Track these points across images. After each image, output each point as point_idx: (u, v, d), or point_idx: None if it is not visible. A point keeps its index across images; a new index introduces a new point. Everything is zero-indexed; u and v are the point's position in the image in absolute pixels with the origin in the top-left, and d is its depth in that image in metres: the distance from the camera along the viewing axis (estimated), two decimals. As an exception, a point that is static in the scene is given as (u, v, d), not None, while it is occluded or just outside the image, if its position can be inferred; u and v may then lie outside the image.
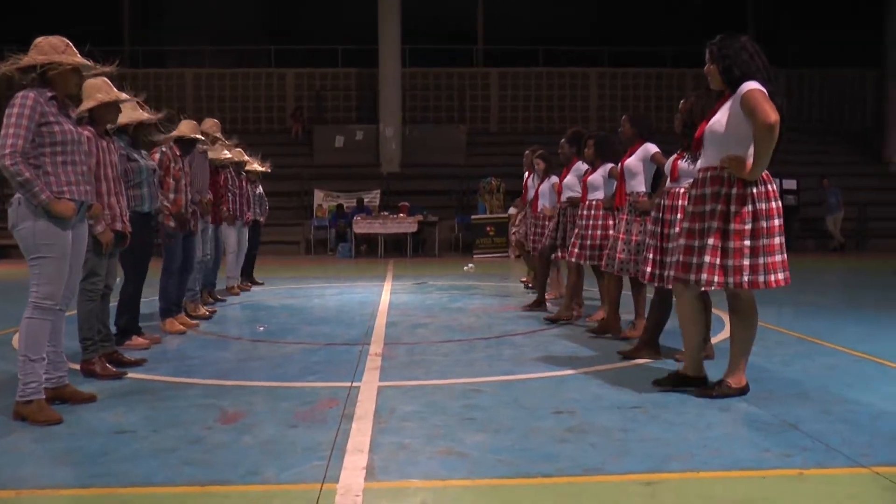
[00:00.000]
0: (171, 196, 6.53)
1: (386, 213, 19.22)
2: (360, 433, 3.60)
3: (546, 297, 8.56)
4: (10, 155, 3.78)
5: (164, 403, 4.26)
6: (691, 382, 4.35)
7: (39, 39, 4.05)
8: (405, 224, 18.56)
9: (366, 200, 20.27)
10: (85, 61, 4.12)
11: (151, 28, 26.16)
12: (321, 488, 2.93)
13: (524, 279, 10.51)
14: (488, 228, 18.11)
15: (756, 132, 3.91)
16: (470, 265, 14.61)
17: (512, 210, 16.75)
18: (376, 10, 21.97)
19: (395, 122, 22.54)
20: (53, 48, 4.02)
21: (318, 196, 20.66)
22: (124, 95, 5.05)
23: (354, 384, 4.62)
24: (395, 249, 18.94)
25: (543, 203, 8.51)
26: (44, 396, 3.96)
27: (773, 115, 3.84)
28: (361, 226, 18.50)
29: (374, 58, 22.60)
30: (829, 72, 25.07)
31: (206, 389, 4.59)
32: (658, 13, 24.72)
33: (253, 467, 3.16)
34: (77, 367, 4.94)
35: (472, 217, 18.92)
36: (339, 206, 20.00)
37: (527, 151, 9.54)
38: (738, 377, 4.23)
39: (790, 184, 19.00)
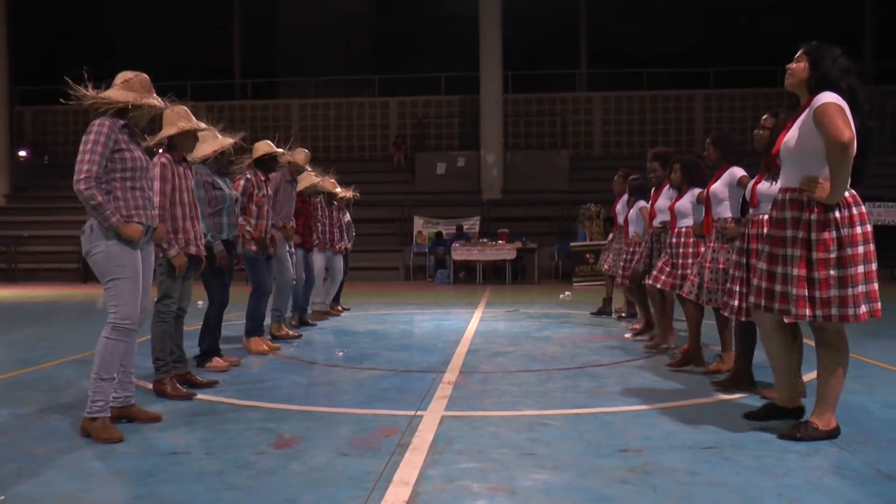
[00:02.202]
0: (254, 222, 6.63)
1: (485, 240, 19.14)
2: (411, 464, 3.47)
3: (639, 326, 8.26)
4: (84, 180, 3.92)
5: (224, 426, 4.25)
6: (786, 415, 4.07)
7: (130, 76, 4.20)
8: (504, 251, 18.42)
9: (465, 227, 20.28)
10: (164, 104, 4.31)
11: (261, 61, 27.23)
12: (354, 522, 2.81)
13: (618, 307, 10.18)
14: (588, 256, 17.73)
15: (827, 150, 3.59)
16: (567, 293, 14.31)
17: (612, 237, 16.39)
18: (478, 37, 22.12)
19: (496, 148, 22.52)
20: (143, 86, 4.18)
21: (418, 223, 20.80)
22: (203, 125, 5.18)
23: (418, 413, 4.49)
24: (494, 276, 18.82)
25: (634, 230, 8.22)
26: (109, 415, 4.03)
27: (846, 133, 3.51)
28: (460, 252, 18.48)
29: (476, 85, 22.70)
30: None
31: (269, 413, 4.56)
32: (766, 30, 23.86)
33: (292, 495, 3.08)
34: (150, 386, 5.04)
35: (572, 244, 18.60)
36: (439, 234, 20.07)
37: (616, 177, 9.28)
38: (826, 418, 3.85)
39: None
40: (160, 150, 4.96)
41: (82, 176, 3.93)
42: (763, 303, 3.93)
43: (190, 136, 5.11)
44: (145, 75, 4.22)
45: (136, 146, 4.18)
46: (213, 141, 5.72)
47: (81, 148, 3.99)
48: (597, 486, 3.18)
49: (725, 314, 5.00)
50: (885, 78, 23.56)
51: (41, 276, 19.66)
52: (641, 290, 7.68)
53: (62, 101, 4.11)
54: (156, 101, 4.21)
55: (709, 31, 25.02)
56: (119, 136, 4.05)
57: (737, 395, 4.94)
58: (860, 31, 24.64)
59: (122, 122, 4.10)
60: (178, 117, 4.98)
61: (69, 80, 4.00)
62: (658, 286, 6.55)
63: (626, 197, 8.80)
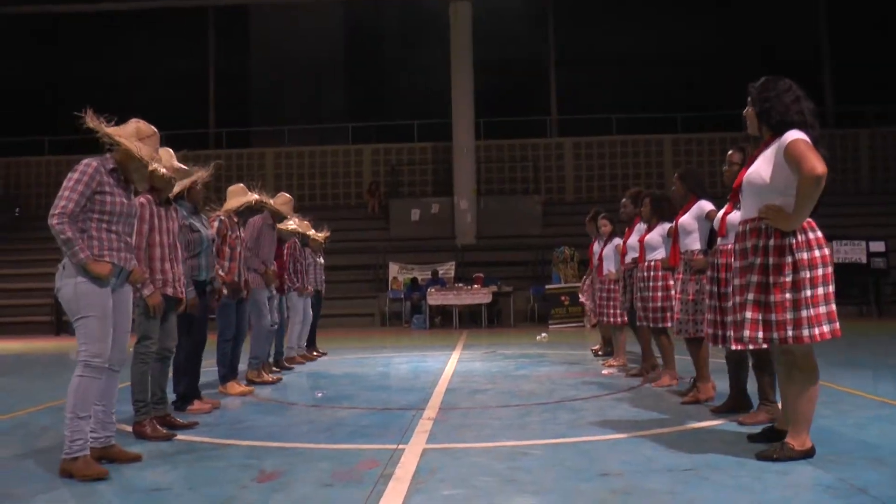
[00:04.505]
0: (227, 264, 6.64)
1: (460, 285, 19.21)
2: (395, 493, 3.49)
3: (614, 363, 8.35)
4: (58, 216, 3.97)
5: (205, 463, 4.24)
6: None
7: (134, 120, 4.32)
8: (479, 295, 18.49)
9: (440, 272, 20.34)
10: (150, 157, 4.31)
11: (235, 110, 27.41)
12: (340, 546, 2.82)
13: (594, 348, 10.24)
14: (563, 298, 17.86)
15: (801, 184, 3.72)
16: (543, 334, 14.36)
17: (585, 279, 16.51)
18: (450, 85, 22.49)
19: (469, 194, 22.74)
20: (138, 132, 4.28)
21: (393, 269, 20.84)
22: (180, 166, 5.18)
23: (400, 446, 4.51)
24: (470, 321, 18.86)
25: (608, 267, 8.35)
26: (89, 454, 4.00)
27: (819, 167, 3.66)
28: (436, 297, 18.51)
29: (448, 131, 23.01)
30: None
31: (250, 451, 4.55)
32: (731, 76, 24.52)
33: (277, 525, 3.09)
34: (130, 429, 5.01)
35: (547, 287, 18.73)
36: (414, 279, 20.11)
37: (587, 219, 9.35)
38: (801, 438, 3.94)
39: (878, 246, 18.15)
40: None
41: (57, 211, 3.97)
42: (735, 335, 4.03)
43: (162, 178, 5.10)
44: (151, 126, 4.35)
45: (122, 191, 4.21)
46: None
47: (64, 184, 4.04)
48: (579, 508, 3.23)
49: (710, 343, 5.12)
50: (846, 122, 24.22)
51: (12, 330, 19.36)
52: (644, 331, 7.63)
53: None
54: (138, 146, 4.20)
55: (675, 78, 25.58)
56: (105, 179, 4.09)
57: (714, 422, 5.01)
58: (819, 75, 25.36)
59: (111, 164, 4.16)
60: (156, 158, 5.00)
61: (87, 112, 4.07)
62: (639, 323, 6.67)
63: (599, 237, 8.94)
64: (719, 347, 5.09)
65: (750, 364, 5.16)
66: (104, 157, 4.16)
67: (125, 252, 4.22)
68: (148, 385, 5.04)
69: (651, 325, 6.57)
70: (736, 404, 5.29)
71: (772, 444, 4.11)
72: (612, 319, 8.31)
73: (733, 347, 4.13)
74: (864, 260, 17.94)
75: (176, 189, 5.61)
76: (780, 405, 4.95)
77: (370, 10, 27.59)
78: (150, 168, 4.38)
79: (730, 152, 5.13)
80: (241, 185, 7.16)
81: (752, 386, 5.20)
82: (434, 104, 23.73)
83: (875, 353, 9.77)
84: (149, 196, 5.00)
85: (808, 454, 3.91)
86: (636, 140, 24.72)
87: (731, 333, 4.11)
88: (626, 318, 7.74)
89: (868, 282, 18.23)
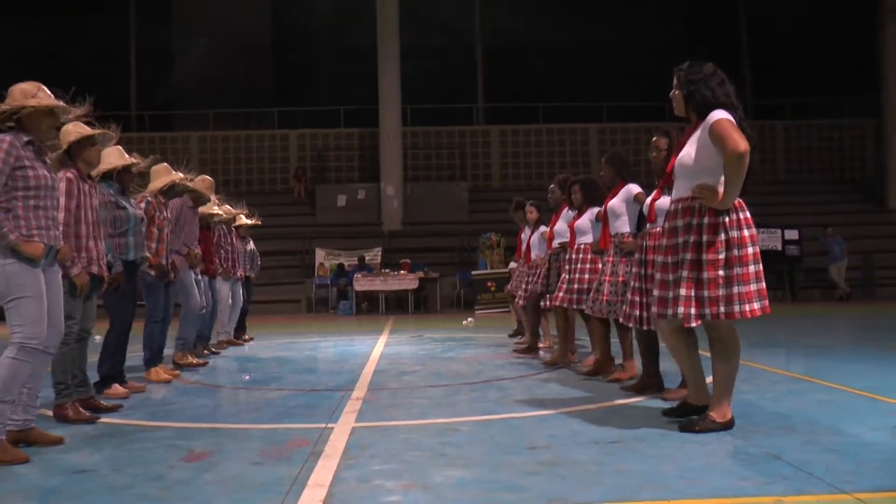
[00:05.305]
0: (154, 246, 6.50)
1: (387, 271, 19.19)
2: (325, 469, 3.49)
3: (540, 345, 8.46)
4: None
5: (131, 445, 4.15)
6: (698, 411, 4.24)
7: (13, 86, 4.09)
8: (406, 281, 18.51)
9: (367, 258, 20.27)
10: (56, 103, 4.14)
11: (158, 93, 26.69)
12: (272, 520, 2.81)
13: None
14: (489, 284, 18.02)
15: (726, 162, 3.86)
16: (469, 319, 14.48)
17: (512, 265, 16.66)
18: (377, 71, 22.36)
19: (396, 180, 22.70)
20: (24, 93, 4.06)
21: (320, 255, 20.66)
22: (96, 131, 5.00)
23: (329, 425, 4.51)
24: (396, 307, 18.88)
25: (536, 254, 8.43)
26: (5, 438, 3.86)
27: (742, 144, 3.80)
28: (362, 283, 18.46)
29: (375, 118, 22.89)
30: (828, 122, 25.27)
31: (177, 432, 4.48)
32: (657, 67, 25.07)
33: (206, 501, 3.05)
34: (50, 413, 4.86)
35: (473, 273, 18.86)
36: (340, 265, 19.99)
37: (511, 209, 9.44)
38: (722, 411, 4.09)
39: (792, 234, 18.90)
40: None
41: None
42: (658, 311, 4.15)
43: (85, 145, 4.95)
44: (32, 82, 4.10)
45: (42, 164, 4.06)
46: (118, 157, 5.61)
47: None
48: (508, 478, 3.29)
49: (629, 324, 5.23)
50: (763, 114, 25.07)
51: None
52: (536, 312, 7.87)
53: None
54: (37, 100, 4.01)
55: (601, 68, 26.01)
56: (22, 153, 3.94)
57: (640, 399, 5.15)
58: (739, 69, 26.15)
59: (25, 138, 4.00)
60: (72, 128, 4.85)
61: None
62: (557, 304, 6.74)
63: (527, 224, 9.01)
64: (640, 328, 5.18)
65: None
66: (16, 133, 4.00)
67: (53, 230, 4.08)
68: (69, 367, 4.90)
69: (576, 306, 6.66)
70: (647, 384, 5.36)
71: (688, 417, 4.26)
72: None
73: (689, 325, 4.15)
74: (779, 247, 18.64)
75: (104, 167, 5.47)
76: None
77: (298, -7, 27.20)
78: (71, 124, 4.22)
79: (655, 138, 5.23)
80: (165, 164, 6.98)
81: (669, 366, 5.35)
82: (361, 90, 23.57)
83: (790, 334, 10.20)
84: (73, 171, 4.84)
85: (728, 425, 4.06)
86: (562, 129, 25.03)
87: (658, 311, 4.19)
88: (547, 302, 7.76)
89: (783, 268, 18.96)
